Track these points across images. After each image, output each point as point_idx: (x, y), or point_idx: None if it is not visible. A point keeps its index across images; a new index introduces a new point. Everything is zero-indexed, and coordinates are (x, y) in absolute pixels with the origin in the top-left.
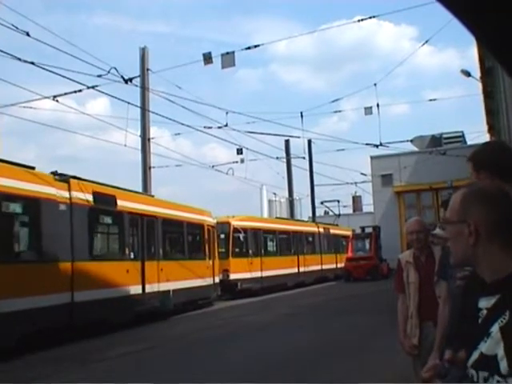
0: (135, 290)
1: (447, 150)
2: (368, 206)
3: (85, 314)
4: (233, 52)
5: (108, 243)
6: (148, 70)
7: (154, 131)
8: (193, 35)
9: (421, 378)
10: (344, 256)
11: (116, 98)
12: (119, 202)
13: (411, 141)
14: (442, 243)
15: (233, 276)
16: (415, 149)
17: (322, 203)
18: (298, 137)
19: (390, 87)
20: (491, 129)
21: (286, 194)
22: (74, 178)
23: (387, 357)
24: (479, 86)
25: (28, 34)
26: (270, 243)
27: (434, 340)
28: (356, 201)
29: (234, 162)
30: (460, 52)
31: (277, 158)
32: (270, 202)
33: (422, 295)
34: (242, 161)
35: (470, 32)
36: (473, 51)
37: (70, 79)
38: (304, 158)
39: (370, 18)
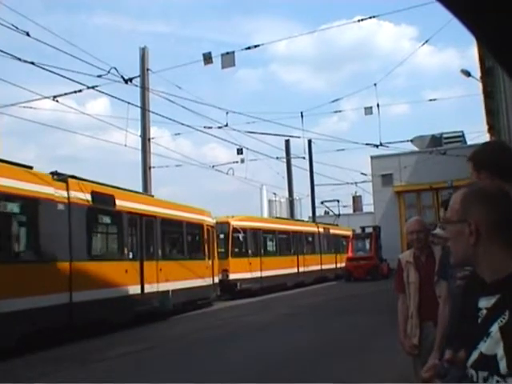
0: (134, 290)
1: (447, 149)
2: (368, 205)
3: (83, 315)
4: (233, 52)
5: (107, 243)
6: (148, 70)
7: (154, 131)
8: (193, 35)
9: (420, 377)
10: (344, 256)
11: (116, 98)
12: (118, 202)
13: (411, 141)
14: (442, 243)
15: (232, 276)
16: (415, 149)
17: (321, 203)
18: (298, 137)
19: (390, 87)
20: (491, 129)
21: (286, 193)
22: (73, 177)
23: (387, 357)
24: (479, 85)
25: (28, 34)
26: (269, 243)
27: (434, 340)
28: (356, 201)
29: (234, 162)
30: (460, 52)
31: (277, 158)
32: (270, 201)
33: (423, 295)
34: (242, 161)
35: (470, 32)
36: (473, 51)
37: (70, 79)
38: (304, 158)
39: (370, 18)
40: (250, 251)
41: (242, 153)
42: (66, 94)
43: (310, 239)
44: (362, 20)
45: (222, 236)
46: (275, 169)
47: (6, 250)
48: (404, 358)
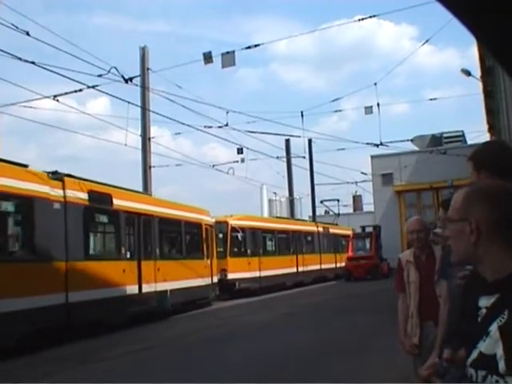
0: (132, 290)
1: (447, 149)
2: (368, 205)
3: (80, 315)
4: (233, 51)
5: (104, 242)
6: (148, 69)
7: (154, 131)
8: (193, 34)
9: (420, 376)
10: (344, 255)
11: (116, 97)
12: (115, 201)
13: (411, 140)
14: (442, 242)
15: (231, 276)
16: (415, 148)
17: (321, 202)
18: (299, 136)
19: (390, 86)
20: (491, 128)
21: (287, 193)
22: (69, 176)
23: (388, 356)
24: (479, 85)
25: (28, 34)
26: (268, 243)
27: (435, 339)
28: (356, 200)
29: (234, 162)
30: (460, 51)
31: (277, 157)
32: (270, 201)
33: (423, 294)
34: (243, 160)
35: (470, 32)
36: (473, 50)
37: (71, 79)
38: (304, 157)
39: (371, 17)
40: (248, 251)
41: (242, 152)
42: (66, 93)
43: (310, 239)
44: (362, 19)
45: (220, 235)
46: (275, 168)
47: (1, 249)
48: (404, 358)
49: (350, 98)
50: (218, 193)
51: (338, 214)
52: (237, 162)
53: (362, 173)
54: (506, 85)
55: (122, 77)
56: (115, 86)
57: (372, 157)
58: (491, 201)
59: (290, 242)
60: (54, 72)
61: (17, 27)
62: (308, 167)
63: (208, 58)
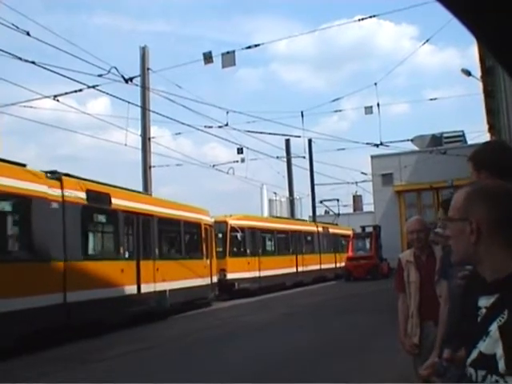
0: (130, 290)
1: (448, 149)
2: (368, 205)
3: (78, 315)
4: (233, 51)
5: (102, 242)
6: (148, 69)
7: (154, 130)
8: (193, 34)
9: (419, 375)
10: (343, 256)
11: (116, 97)
12: (114, 201)
13: (412, 140)
14: (443, 242)
15: (230, 276)
16: (416, 148)
17: (321, 202)
18: (299, 136)
19: (390, 86)
20: (492, 128)
21: (287, 193)
22: (67, 175)
23: (388, 356)
24: (480, 85)
25: (28, 34)
26: (268, 242)
27: (435, 339)
28: (356, 200)
29: (234, 162)
30: (460, 51)
31: (277, 157)
32: (270, 201)
33: (423, 294)
34: (243, 160)
35: (470, 32)
36: (473, 50)
37: (71, 79)
38: (304, 157)
39: (371, 17)
40: (248, 250)
41: (242, 152)
42: (66, 93)
43: (309, 239)
44: (362, 19)
45: (220, 235)
46: (275, 168)
47: None
48: (404, 358)
49: (350, 98)
50: (218, 193)
51: (338, 214)
52: (237, 161)
53: (362, 173)
54: (506, 85)
55: (122, 77)
56: (115, 85)
57: (372, 157)
58: (491, 201)
59: (289, 242)
60: (54, 72)
61: (17, 27)
62: (308, 167)
63: (208, 57)
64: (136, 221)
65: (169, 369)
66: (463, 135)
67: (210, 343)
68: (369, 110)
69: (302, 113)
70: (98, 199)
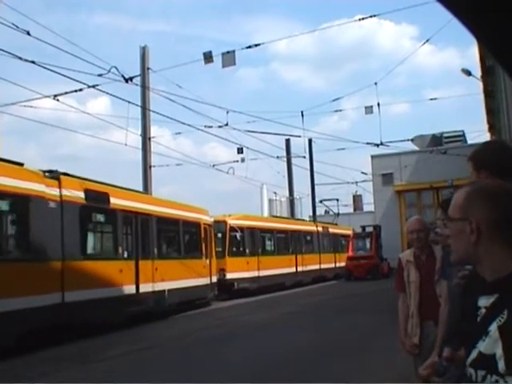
0: (129, 289)
1: (448, 149)
2: (368, 205)
3: (76, 315)
4: (233, 51)
5: (101, 242)
6: (148, 69)
7: (154, 130)
8: (193, 34)
9: (419, 375)
10: (343, 255)
11: (116, 97)
12: (112, 200)
13: (412, 140)
14: (443, 242)
15: (229, 275)
16: (416, 148)
17: (320, 202)
18: (299, 136)
19: (390, 86)
20: (492, 128)
21: (287, 193)
22: (65, 174)
23: (388, 356)
24: (480, 85)
25: (28, 33)
26: (267, 242)
27: (435, 339)
28: (356, 200)
29: (234, 161)
30: (461, 51)
31: (277, 157)
32: (270, 201)
33: (423, 294)
34: (243, 160)
35: (470, 32)
36: (473, 50)
37: (71, 78)
38: (304, 157)
39: (371, 17)
40: (247, 250)
41: (242, 152)
42: (66, 93)
43: (309, 238)
44: (362, 19)
45: (219, 235)
46: (276, 168)
47: None
48: (404, 358)
49: (351, 97)
50: (219, 192)
51: (338, 214)
52: (237, 161)
53: (363, 173)
54: (506, 84)
55: (123, 76)
56: (115, 85)
57: (372, 157)
58: (491, 200)
59: (289, 242)
60: (55, 71)
61: (17, 27)
62: (308, 167)
63: (208, 57)
64: (135, 220)
65: (169, 369)
66: (463, 135)
67: (209, 343)
68: (369, 109)
69: (302, 112)
70: (97, 198)
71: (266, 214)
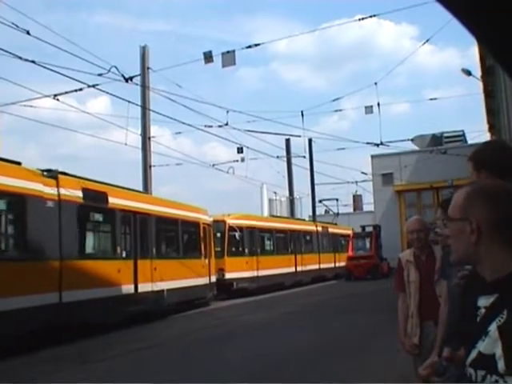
0: (127, 289)
1: (448, 149)
2: (368, 204)
3: (74, 315)
4: (233, 51)
5: (99, 241)
6: (148, 68)
7: (154, 130)
8: (193, 34)
9: (419, 375)
10: (343, 255)
11: (117, 96)
12: (111, 199)
13: (412, 140)
14: (443, 242)
15: (228, 275)
16: (416, 148)
17: (320, 201)
18: (299, 136)
19: (390, 86)
20: (492, 128)
21: (287, 192)
22: (63, 173)
23: (388, 356)
24: (480, 85)
25: (28, 33)
26: (266, 242)
27: (435, 339)
28: (356, 200)
29: (234, 161)
30: (461, 51)
31: (277, 156)
32: (270, 200)
33: (423, 294)
34: (243, 160)
35: (470, 32)
36: (473, 50)
37: (71, 78)
38: (304, 156)
39: (371, 16)
40: (246, 250)
41: (242, 152)
42: (66, 92)
43: (308, 238)
44: (362, 19)
45: (218, 235)
46: (275, 168)
47: None
48: (404, 358)
49: (351, 97)
50: (219, 192)
51: (337, 214)
52: (237, 161)
53: (363, 172)
54: (506, 84)
55: (123, 76)
56: (115, 85)
57: (372, 156)
58: (491, 200)
59: (288, 242)
60: (55, 71)
61: (17, 26)
62: (308, 167)
63: (208, 57)
64: (133, 220)
65: (168, 368)
66: (463, 135)
67: (208, 343)
68: (369, 109)
69: (302, 112)
70: (95, 198)
71: (265, 213)
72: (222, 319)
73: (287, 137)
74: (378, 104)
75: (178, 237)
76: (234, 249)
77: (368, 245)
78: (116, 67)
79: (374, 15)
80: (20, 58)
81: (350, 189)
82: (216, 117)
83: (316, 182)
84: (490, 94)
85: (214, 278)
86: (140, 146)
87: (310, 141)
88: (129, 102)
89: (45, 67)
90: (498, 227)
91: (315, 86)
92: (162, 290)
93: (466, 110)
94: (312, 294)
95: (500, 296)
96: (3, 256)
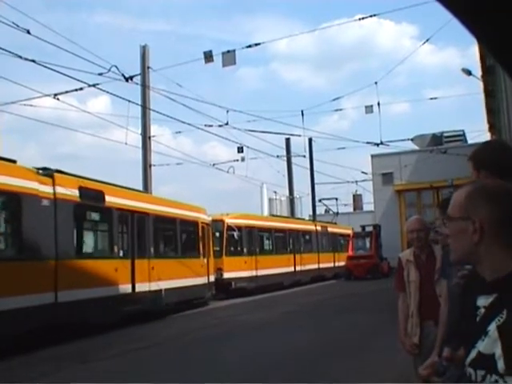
0: (125, 289)
1: (448, 148)
2: (368, 204)
3: (70, 315)
4: (233, 50)
5: (95, 241)
6: (149, 68)
7: (154, 129)
8: (193, 33)
9: (419, 375)
10: (342, 255)
11: (117, 96)
12: (108, 198)
13: (412, 139)
14: (443, 241)
15: (227, 275)
16: (416, 147)
17: (319, 201)
18: (299, 135)
19: (390, 86)
20: (492, 128)
21: (287, 192)
22: (59, 172)
23: (388, 356)
24: (480, 84)
25: (29, 32)
26: (265, 241)
27: (435, 339)
28: (356, 199)
29: (234, 161)
30: (461, 51)
31: (277, 156)
32: (270, 200)
33: (423, 294)
34: (243, 159)
35: (470, 32)
36: (474, 50)
37: (71, 77)
38: (304, 156)
39: (371, 16)
40: (245, 249)
41: (242, 151)
42: (66, 91)
43: (308, 237)
44: (362, 18)
45: (217, 234)
46: (276, 167)
47: None
48: (404, 358)
49: (351, 97)
50: (219, 192)
51: (337, 213)
52: (237, 160)
53: (363, 172)
54: (506, 84)
55: (123, 75)
56: (116, 84)
57: (372, 156)
58: (493, 200)
59: (287, 241)
60: (55, 70)
61: (17, 25)
62: (308, 166)
63: (208, 56)
64: (131, 219)
65: (167, 368)
66: (463, 134)
67: (207, 343)
68: (369, 109)
69: (302, 112)
70: (92, 196)
71: (266, 213)
72: (220, 319)
73: (287, 136)
74: (378, 103)
75: (176, 236)
76: (232, 248)
77: (368, 244)
78: (116, 67)
79: (374, 15)
80: (20, 57)
81: (350, 188)
82: (216, 116)
83: (316, 181)
84: (490, 94)
85: (212, 278)
86: (140, 145)
87: (310, 140)
88: (129, 101)
89: (45, 66)
90: (499, 227)
91: (315, 85)
92: (160, 290)
93: (466, 109)
94: (311, 294)
95: (499, 296)
96: None
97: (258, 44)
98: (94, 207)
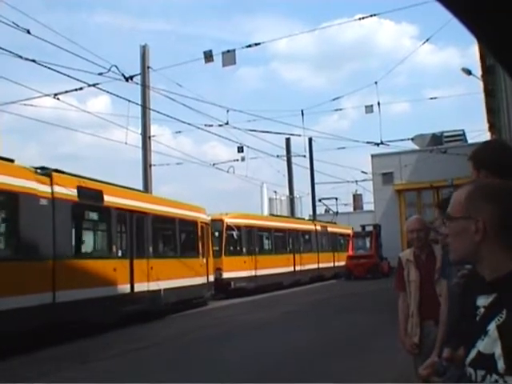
0: (123, 289)
1: (448, 148)
2: (369, 204)
3: (68, 315)
4: (234, 50)
5: (94, 240)
6: (149, 67)
7: (154, 129)
8: (193, 33)
9: (419, 375)
10: (342, 255)
11: (117, 95)
12: (106, 198)
13: (412, 139)
14: (443, 241)
15: (226, 275)
16: (416, 147)
17: (319, 200)
18: (299, 135)
19: (390, 85)
20: (492, 127)
21: (287, 192)
22: (57, 171)
23: (388, 356)
24: (480, 84)
25: (29, 32)
26: (265, 241)
27: (435, 339)
28: (356, 199)
29: (234, 160)
30: (461, 50)
31: (277, 156)
32: (270, 200)
33: (423, 294)
34: (243, 159)
35: (470, 32)
36: (474, 49)
37: (71, 77)
38: (305, 156)
39: (371, 16)
40: (244, 249)
41: (242, 151)
42: (66, 91)
43: (307, 237)
44: (362, 18)
45: (216, 234)
46: (276, 167)
47: None
48: (404, 358)
49: (351, 96)
50: (219, 191)
51: (337, 213)
52: (237, 160)
53: (363, 172)
54: (506, 84)
55: (123, 75)
56: (116, 84)
57: (372, 156)
58: (494, 200)
59: (286, 241)
60: (55, 70)
61: (17, 25)
62: (308, 166)
63: (208, 56)
64: (129, 218)
65: (167, 368)
66: (463, 134)
67: (206, 343)
68: (369, 108)
69: (302, 111)
70: (90, 196)
71: (266, 212)
72: (219, 319)
73: (287, 136)
74: (378, 103)
75: (175, 236)
76: (232, 248)
77: (368, 244)
78: (116, 66)
79: (375, 14)
80: (20, 57)
81: (350, 188)
82: (216, 116)
83: (316, 181)
84: (490, 94)
85: (211, 278)
86: (140, 145)
87: (310, 140)
88: (129, 101)
89: (45, 66)
90: (500, 227)
91: (315, 85)
92: (159, 290)
93: (466, 109)
94: (311, 294)
95: (499, 295)
96: None
97: (258, 44)
98: (93, 207)
